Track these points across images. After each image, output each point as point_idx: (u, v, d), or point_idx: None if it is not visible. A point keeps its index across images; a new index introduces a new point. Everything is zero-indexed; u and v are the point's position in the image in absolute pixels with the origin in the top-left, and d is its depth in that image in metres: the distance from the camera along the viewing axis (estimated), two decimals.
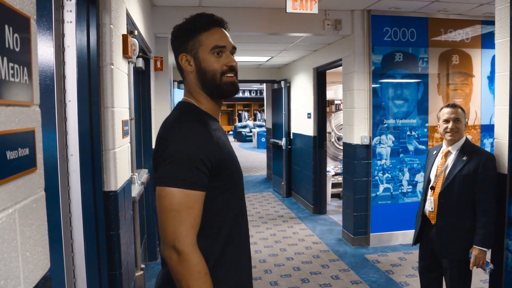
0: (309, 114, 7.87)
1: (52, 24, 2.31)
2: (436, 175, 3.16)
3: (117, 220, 2.68)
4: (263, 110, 23.85)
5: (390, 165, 5.75)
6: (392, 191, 5.79)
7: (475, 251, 2.90)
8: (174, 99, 7.93)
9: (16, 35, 1.06)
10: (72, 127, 2.43)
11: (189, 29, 1.59)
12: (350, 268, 5.01)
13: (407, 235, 5.71)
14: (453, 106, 3.11)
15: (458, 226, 2.99)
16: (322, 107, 7.75)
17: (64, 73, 2.39)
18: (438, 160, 3.20)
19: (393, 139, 5.73)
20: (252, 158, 16.26)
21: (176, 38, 1.63)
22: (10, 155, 1.03)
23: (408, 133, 5.78)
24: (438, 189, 3.09)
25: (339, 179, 8.46)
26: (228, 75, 1.57)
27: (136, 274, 3.67)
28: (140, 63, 4.43)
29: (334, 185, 8.59)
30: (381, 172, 5.73)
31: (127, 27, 3.24)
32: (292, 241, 6.11)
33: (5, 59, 1.00)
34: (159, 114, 5.95)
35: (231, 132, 27.45)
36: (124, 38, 3.02)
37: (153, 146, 5.14)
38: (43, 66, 2.15)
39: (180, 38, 1.61)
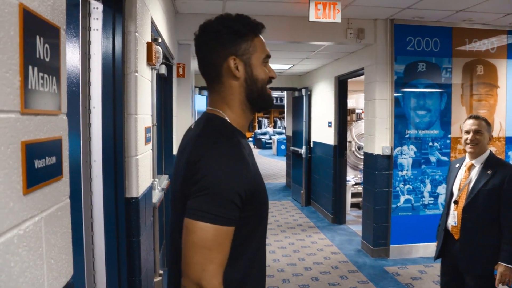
0: (329, 122, 7.84)
1: (79, 31, 2.35)
2: (459, 189, 3.09)
3: (138, 226, 2.70)
4: (283, 117, 23.85)
5: (412, 176, 5.68)
6: (413, 202, 5.71)
7: (500, 268, 2.83)
8: (196, 106, 7.98)
9: (46, 45, 1.08)
10: (96, 133, 2.45)
11: (240, 31, 1.40)
12: (369, 280, 4.95)
13: (428, 248, 5.63)
14: (476, 117, 3.06)
15: (483, 242, 2.92)
16: (343, 116, 7.71)
17: (90, 80, 2.43)
18: (461, 173, 3.14)
19: (415, 149, 5.67)
20: (271, 166, 16.24)
21: (218, 36, 1.40)
22: (38, 163, 1.04)
23: (430, 144, 5.71)
24: (461, 204, 3.03)
25: (359, 188, 8.39)
26: (268, 87, 1.48)
27: (155, 280, 3.68)
28: (163, 69, 4.46)
29: (353, 195, 8.52)
30: (402, 183, 5.66)
31: (151, 35, 3.27)
32: (310, 251, 6.07)
33: (35, 69, 1.01)
34: (181, 120, 5.99)
35: (250, 139, 27.47)
36: (149, 45, 3.05)
37: (174, 152, 5.20)
38: (70, 73, 2.19)
39: (228, 37, 1.39)
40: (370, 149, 5.87)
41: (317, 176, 8.67)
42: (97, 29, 2.44)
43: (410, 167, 5.67)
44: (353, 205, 8.59)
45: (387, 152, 5.64)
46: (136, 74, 2.69)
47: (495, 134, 5.87)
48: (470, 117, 3.10)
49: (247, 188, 1.31)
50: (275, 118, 30.65)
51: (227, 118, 1.43)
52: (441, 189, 5.72)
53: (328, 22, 4.68)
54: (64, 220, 1.24)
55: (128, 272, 2.67)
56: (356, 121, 9.21)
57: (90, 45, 2.42)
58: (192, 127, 1.56)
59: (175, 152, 5.34)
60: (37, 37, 1.03)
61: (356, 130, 9.03)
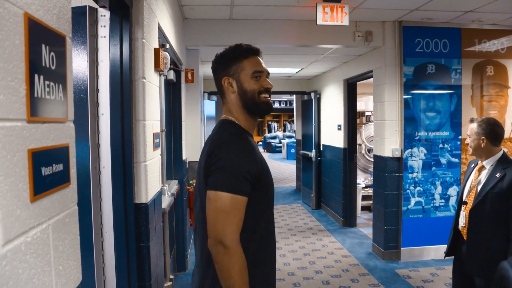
0: (339, 125, 7.82)
1: (86, 39, 2.37)
2: (469, 190, 3.07)
3: (147, 232, 2.71)
4: (293, 121, 23.80)
5: (422, 178, 5.64)
6: (423, 204, 5.67)
7: None
8: (205, 111, 8.00)
9: (52, 53, 1.09)
10: (104, 139, 2.47)
11: (231, 56, 1.86)
12: (381, 283, 4.92)
13: (440, 250, 5.58)
14: (471, 121, 3.10)
15: (489, 246, 2.88)
16: (353, 119, 7.69)
17: (98, 87, 2.45)
18: (473, 174, 3.12)
19: (425, 151, 5.63)
20: (281, 169, 16.21)
21: (218, 64, 1.90)
22: (45, 171, 1.05)
23: (441, 145, 5.67)
24: (469, 205, 3.01)
25: (369, 191, 8.35)
26: (264, 95, 1.86)
27: (165, 285, 3.68)
28: (171, 75, 4.49)
29: (364, 198, 8.49)
30: (413, 185, 5.63)
31: (159, 41, 3.29)
32: (321, 254, 6.05)
33: (41, 77, 1.03)
34: (190, 125, 6.01)
35: (260, 143, 27.45)
36: (156, 51, 3.07)
37: (184, 157, 5.22)
38: (77, 80, 2.21)
39: (223, 63, 1.88)
40: (379, 151, 5.85)
41: (327, 179, 8.64)
42: (104, 36, 2.46)
43: (421, 169, 5.64)
44: (364, 208, 8.56)
45: (397, 154, 5.61)
46: (144, 80, 2.71)
47: (506, 134, 5.80)
48: (470, 121, 3.13)
49: (254, 169, 1.71)
50: (284, 122, 30.61)
51: (236, 122, 1.87)
52: (452, 191, 5.68)
53: (336, 25, 4.67)
54: (72, 227, 1.25)
55: (138, 278, 2.68)
56: (366, 123, 9.18)
57: (97, 52, 2.44)
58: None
59: (184, 157, 5.36)
60: (43, 45, 1.04)
61: (365, 132, 9.00)
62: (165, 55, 3.37)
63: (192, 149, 6.10)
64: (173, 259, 5.09)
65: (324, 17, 4.62)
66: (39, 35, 1.02)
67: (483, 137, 2.98)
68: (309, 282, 5.00)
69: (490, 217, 2.88)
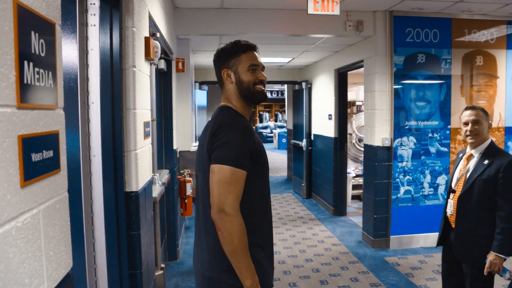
0: (330, 115, 7.84)
1: (76, 27, 2.36)
2: (458, 178, 3.11)
3: (138, 220, 2.72)
4: (284, 111, 23.80)
5: (411, 167, 5.70)
6: (413, 193, 5.73)
7: (491, 256, 2.84)
8: (196, 100, 7.99)
9: (41, 40, 1.09)
10: (95, 128, 2.47)
11: (231, 51, 2.04)
12: (370, 271, 4.98)
13: (428, 238, 5.66)
14: (473, 108, 3.06)
15: (477, 232, 2.95)
16: (343, 109, 7.71)
17: (88, 75, 2.44)
18: (461, 163, 3.16)
19: (415, 141, 5.68)
20: (272, 159, 16.23)
21: (219, 58, 2.08)
22: (35, 157, 1.06)
23: (430, 135, 5.72)
24: (458, 193, 3.05)
25: (360, 180, 8.41)
26: (259, 86, 2.05)
27: (156, 273, 3.71)
28: (162, 64, 4.48)
29: (354, 187, 8.55)
30: (402, 174, 5.68)
31: (149, 30, 3.28)
32: (311, 243, 6.10)
33: (30, 64, 1.03)
34: (181, 114, 6.01)
35: None
36: (147, 40, 3.06)
37: (175, 147, 5.22)
38: (67, 69, 2.20)
39: (222, 57, 2.06)
40: (370, 141, 5.89)
41: (318, 169, 8.69)
42: (94, 25, 2.45)
43: (410, 158, 5.69)
44: (354, 197, 8.62)
45: (387, 143, 5.65)
46: (134, 69, 2.70)
47: (494, 124, 5.87)
48: (467, 108, 3.10)
49: (253, 147, 1.91)
50: (276, 112, 30.58)
51: (233, 108, 2.05)
52: (441, 180, 5.74)
53: (327, 14, 4.68)
54: (63, 213, 1.26)
55: (129, 265, 2.70)
56: (357, 113, 9.20)
57: (87, 40, 2.44)
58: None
59: (175, 146, 5.37)
60: (32, 32, 1.05)
61: (356, 122, 9.04)
62: (155, 44, 3.37)
63: (183, 138, 6.10)
64: (164, 248, 5.11)
65: (315, 6, 4.62)
66: (28, 22, 1.03)
67: (490, 122, 3.04)
68: (299, 270, 5.05)
69: (477, 204, 2.93)
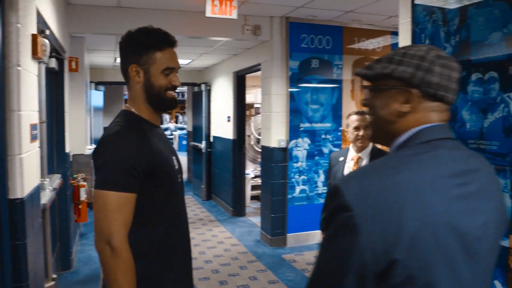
0: (228, 117, 7.94)
1: None
2: None
3: (24, 228, 2.55)
4: (185, 113, 23.65)
5: (306, 167, 5.95)
6: (308, 192, 5.99)
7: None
8: (91, 101, 7.69)
9: None
10: None
11: (145, 43, 1.74)
12: (268, 269, 5.13)
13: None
14: (362, 113, 3.25)
15: None
16: (242, 111, 7.84)
17: None
18: (350, 166, 3.30)
19: (309, 142, 5.94)
20: None
21: (127, 46, 1.78)
22: None
23: (323, 136, 6.01)
24: None
25: (259, 181, 8.58)
26: (171, 92, 1.78)
27: (46, 285, 3.50)
28: (53, 63, 4.25)
29: (254, 187, 8.71)
30: (298, 174, 5.91)
31: (38, 26, 3.11)
32: (211, 244, 6.14)
33: None
34: (74, 116, 5.75)
35: None
36: (34, 38, 2.89)
37: (67, 150, 4.99)
38: None
39: (133, 48, 1.75)
40: (266, 142, 6.05)
41: (217, 170, 8.75)
42: None
43: (305, 158, 5.93)
44: (253, 198, 8.78)
45: (283, 144, 5.85)
46: (19, 68, 2.54)
47: None
48: (356, 113, 3.28)
49: (143, 161, 1.64)
50: (176, 114, 30.29)
51: (134, 111, 1.79)
52: None
53: (225, 18, 4.74)
54: None
55: (13, 278, 2.50)
56: (255, 115, 9.40)
57: None
58: None
59: (68, 150, 5.13)
60: None
61: (255, 124, 9.23)
62: (44, 41, 3.20)
63: (77, 141, 5.84)
64: (57, 257, 4.85)
65: (213, 9, 4.67)
66: None
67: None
68: (199, 272, 5.06)
69: None
